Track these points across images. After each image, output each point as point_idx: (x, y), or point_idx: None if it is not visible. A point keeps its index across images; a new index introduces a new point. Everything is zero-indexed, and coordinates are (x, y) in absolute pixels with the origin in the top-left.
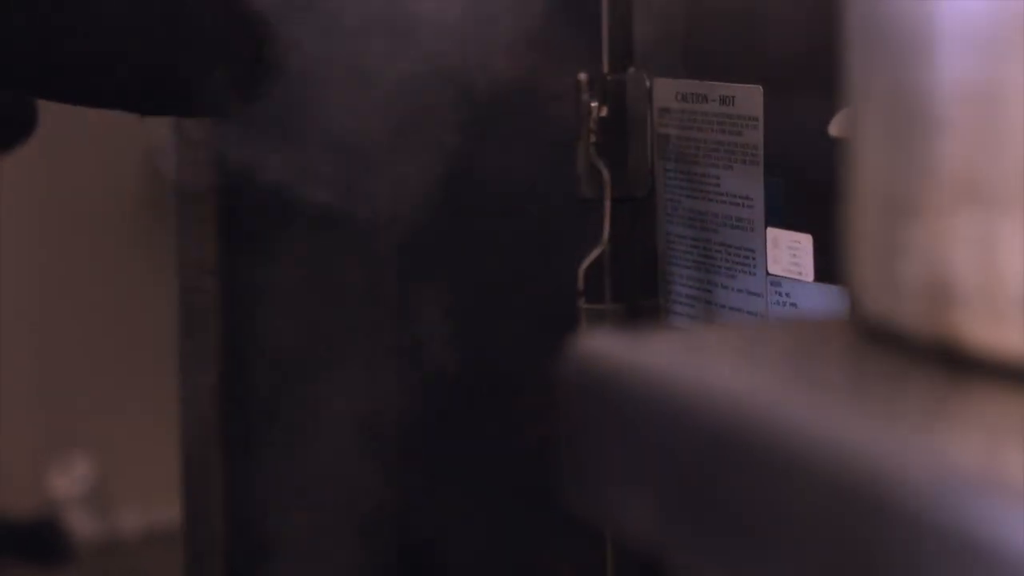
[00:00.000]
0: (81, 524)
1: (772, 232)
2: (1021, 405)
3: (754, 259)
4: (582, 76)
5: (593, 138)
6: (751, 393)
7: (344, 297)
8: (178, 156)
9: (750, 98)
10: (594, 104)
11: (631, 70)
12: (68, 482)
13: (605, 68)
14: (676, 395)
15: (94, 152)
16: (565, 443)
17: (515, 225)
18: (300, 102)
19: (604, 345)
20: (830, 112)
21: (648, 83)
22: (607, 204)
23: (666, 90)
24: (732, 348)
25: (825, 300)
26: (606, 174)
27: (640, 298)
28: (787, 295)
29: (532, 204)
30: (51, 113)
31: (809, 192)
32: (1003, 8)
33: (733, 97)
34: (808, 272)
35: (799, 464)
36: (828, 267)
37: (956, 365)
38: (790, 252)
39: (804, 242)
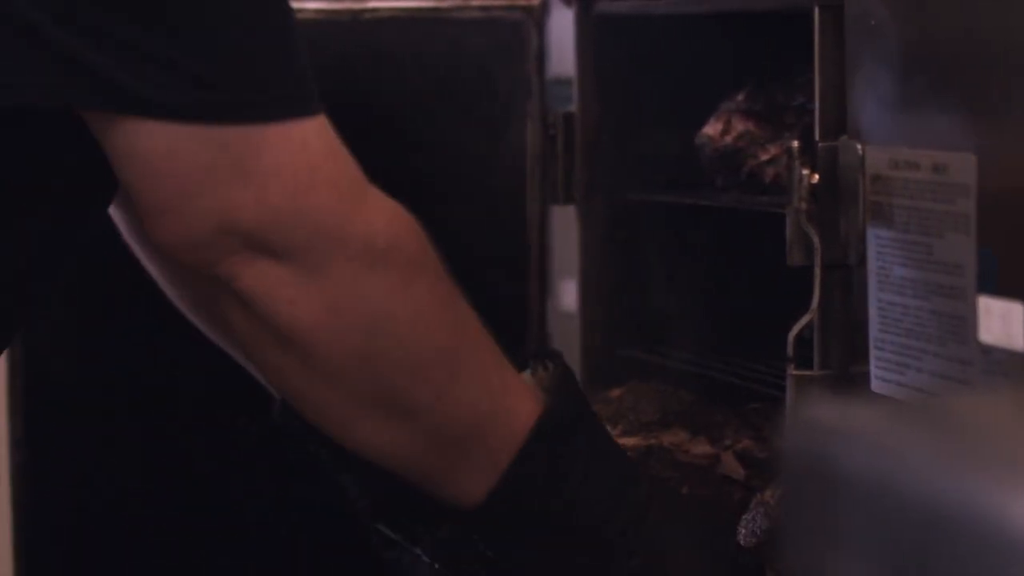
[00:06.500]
0: None
1: (984, 301)
2: None
3: (965, 328)
4: (794, 144)
5: (804, 205)
6: (959, 469)
7: None
8: None
9: (963, 166)
10: (805, 171)
11: (843, 138)
12: None
13: (817, 136)
14: (887, 470)
15: None
16: (784, 510)
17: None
18: None
19: (818, 417)
20: None
21: (860, 151)
22: (817, 271)
23: (878, 158)
24: (942, 421)
25: None
26: (816, 241)
27: (849, 365)
28: (998, 364)
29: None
30: None
31: (1022, 261)
32: None
33: (946, 165)
34: (1020, 341)
35: (1010, 542)
36: None
37: None
38: (1002, 321)
39: (1016, 311)
